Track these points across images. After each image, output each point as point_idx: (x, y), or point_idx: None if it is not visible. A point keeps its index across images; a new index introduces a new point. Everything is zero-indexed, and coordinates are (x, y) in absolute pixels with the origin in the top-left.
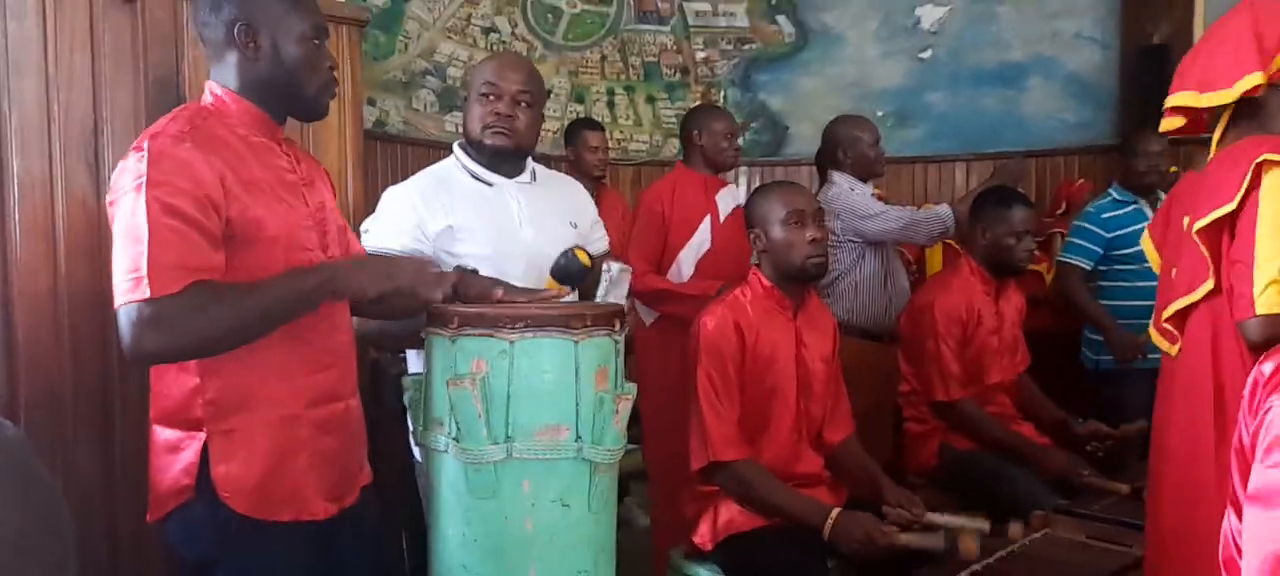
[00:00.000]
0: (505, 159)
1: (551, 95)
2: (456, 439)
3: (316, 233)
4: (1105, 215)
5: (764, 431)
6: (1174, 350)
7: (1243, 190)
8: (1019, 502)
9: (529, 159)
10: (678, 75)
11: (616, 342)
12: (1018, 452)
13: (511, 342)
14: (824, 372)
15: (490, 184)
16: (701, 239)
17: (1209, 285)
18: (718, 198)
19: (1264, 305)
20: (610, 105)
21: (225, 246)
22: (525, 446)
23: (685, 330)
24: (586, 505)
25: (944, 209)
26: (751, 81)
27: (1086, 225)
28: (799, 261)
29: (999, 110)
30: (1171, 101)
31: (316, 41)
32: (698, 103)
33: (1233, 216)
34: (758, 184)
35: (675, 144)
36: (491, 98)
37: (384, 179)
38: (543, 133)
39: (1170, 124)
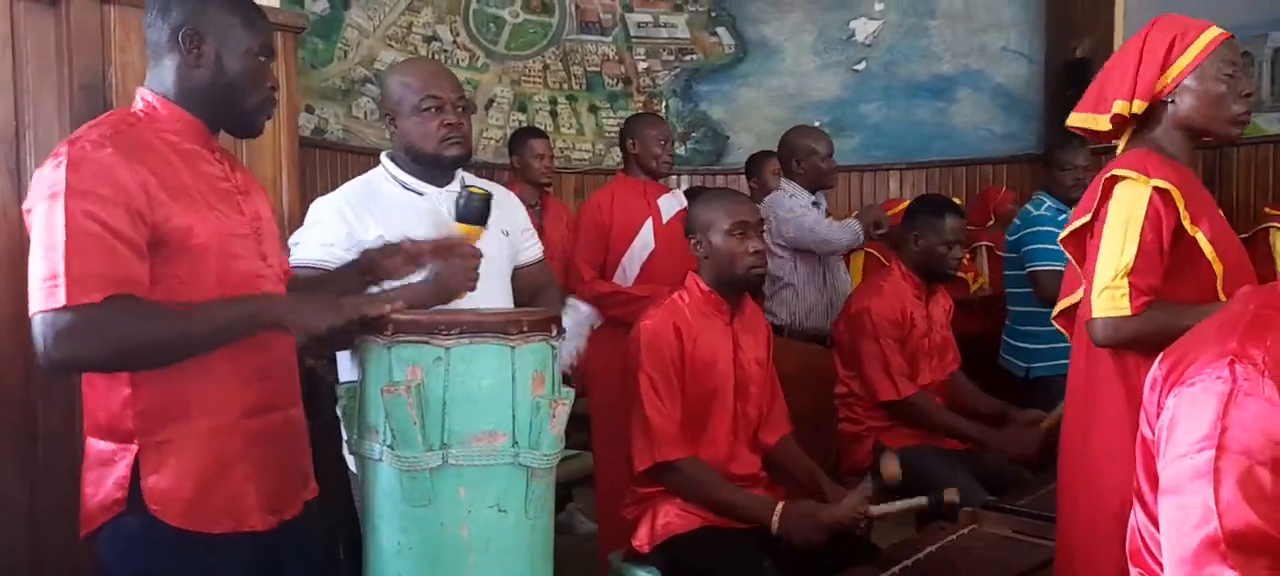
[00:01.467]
0: (447, 168)
1: (494, 104)
2: (391, 446)
3: (253, 242)
4: (1059, 218)
5: (702, 433)
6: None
7: (1096, 202)
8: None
9: (460, 168)
10: (620, 85)
11: (554, 348)
12: (972, 438)
13: (447, 348)
14: (759, 375)
15: (421, 194)
16: (644, 242)
17: (1081, 293)
18: (659, 201)
19: (1099, 307)
20: (553, 114)
21: (153, 254)
22: (461, 453)
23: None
24: (523, 511)
25: (854, 222)
26: (693, 92)
27: (1048, 228)
28: (741, 272)
29: (930, 121)
30: (1071, 121)
31: (262, 58)
32: (640, 112)
33: (1090, 226)
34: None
35: (618, 153)
36: (436, 109)
37: (323, 188)
38: (486, 141)
39: (1078, 120)
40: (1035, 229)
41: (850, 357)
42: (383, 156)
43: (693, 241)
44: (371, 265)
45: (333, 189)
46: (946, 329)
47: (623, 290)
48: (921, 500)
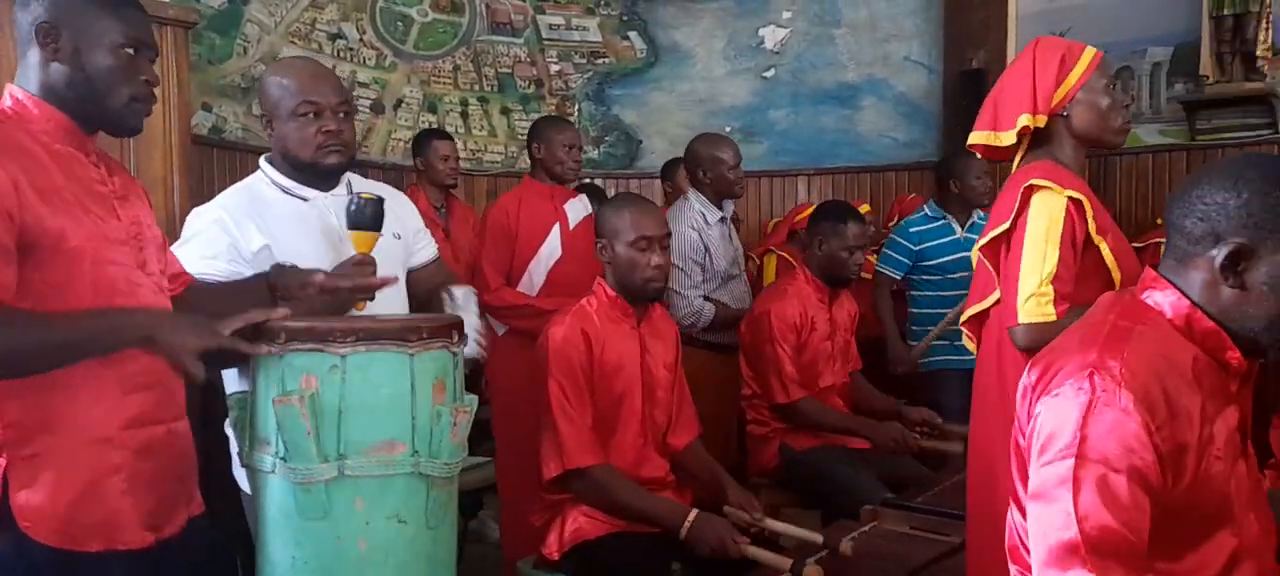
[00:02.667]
0: (328, 175)
1: (403, 105)
2: (284, 458)
3: (131, 248)
4: (913, 229)
5: (611, 437)
6: (974, 350)
7: (1015, 211)
8: (852, 497)
9: (341, 174)
10: (532, 87)
11: (455, 355)
12: (858, 434)
13: (343, 356)
14: (667, 379)
15: (305, 199)
16: (551, 248)
17: (995, 296)
18: (566, 206)
19: (1025, 314)
20: (464, 116)
21: (23, 259)
22: (358, 463)
23: (536, 341)
24: (423, 521)
25: (708, 311)
26: (605, 95)
27: (898, 239)
28: (639, 282)
29: (836, 128)
30: (972, 140)
31: (131, 51)
32: (546, 116)
33: (1008, 235)
34: (611, 195)
35: None
36: (313, 115)
37: (221, 188)
38: (395, 143)
39: (979, 138)
40: (893, 236)
41: (754, 359)
42: (262, 160)
43: (599, 245)
44: (282, 283)
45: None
46: (849, 334)
47: (531, 302)
48: (817, 537)
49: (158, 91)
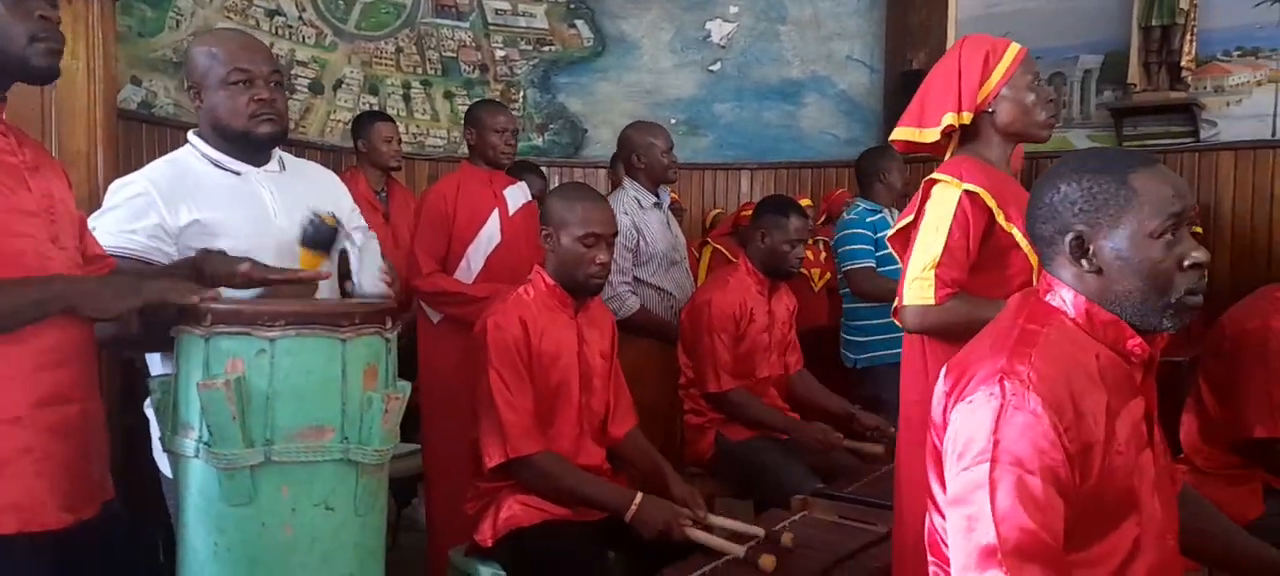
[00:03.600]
0: (260, 147)
1: (343, 85)
2: (208, 443)
3: (42, 221)
4: (869, 220)
5: (550, 426)
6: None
7: (917, 204)
8: (784, 487)
9: (275, 147)
10: (477, 72)
11: (387, 341)
12: (783, 431)
13: (272, 340)
14: (604, 368)
15: (237, 173)
16: (490, 233)
17: None
18: (506, 192)
19: (908, 296)
20: (406, 99)
21: None
22: (285, 449)
23: (470, 329)
24: (352, 508)
25: (633, 302)
26: (551, 83)
27: (856, 231)
28: (581, 278)
29: (780, 123)
30: (895, 135)
31: None
32: (482, 100)
33: (912, 227)
34: (557, 184)
35: None
36: (245, 83)
37: (149, 162)
38: (334, 124)
39: (903, 134)
40: (848, 231)
41: (691, 347)
42: (191, 134)
43: (544, 233)
44: (209, 270)
45: None
46: (789, 327)
47: (462, 289)
48: (759, 531)
49: (80, 62)
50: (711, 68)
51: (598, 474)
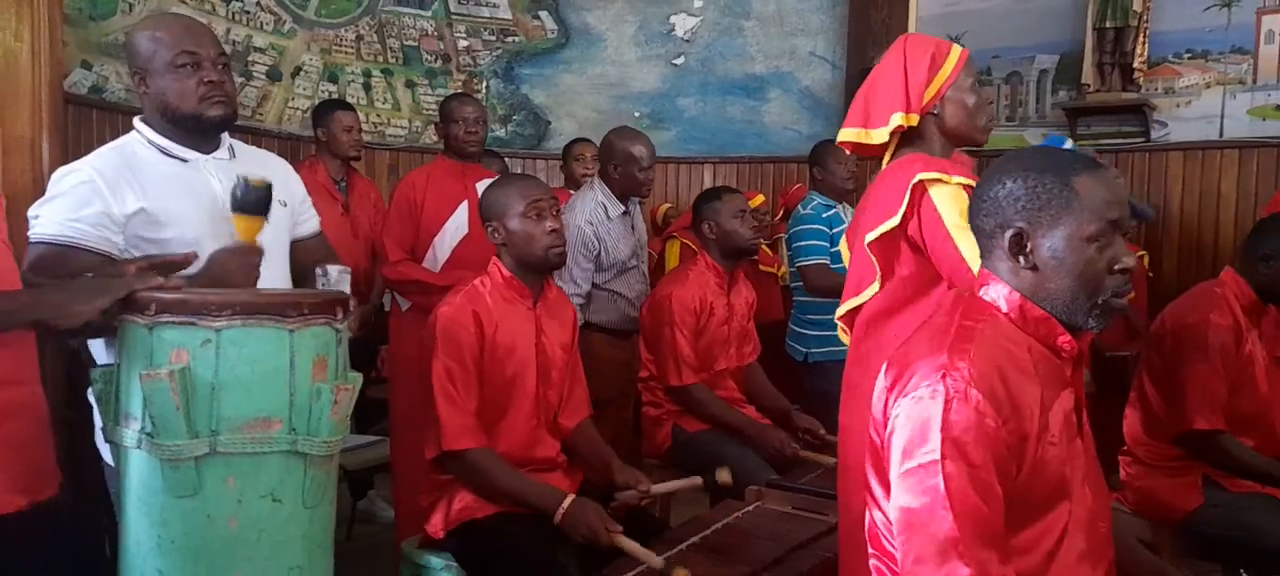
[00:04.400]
0: (210, 131)
1: (301, 73)
2: (150, 434)
3: None
4: (825, 215)
5: (503, 418)
6: (847, 340)
7: (904, 207)
8: (740, 478)
9: (225, 133)
10: (439, 62)
11: (338, 332)
12: (742, 432)
13: (217, 331)
14: (563, 359)
15: (185, 160)
16: (458, 225)
17: (875, 288)
18: (479, 185)
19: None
20: (367, 87)
21: None
22: (231, 440)
23: None
24: (300, 500)
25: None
26: (514, 74)
27: (812, 227)
28: (540, 252)
29: (743, 118)
30: (842, 137)
31: None
32: (459, 91)
33: (900, 231)
34: (516, 173)
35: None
36: (192, 66)
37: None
38: (293, 111)
39: (849, 136)
40: (803, 226)
41: (652, 341)
42: (136, 121)
43: (490, 229)
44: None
45: None
46: (747, 320)
47: (426, 277)
48: (696, 479)
49: (25, 44)
50: (675, 62)
51: (552, 465)
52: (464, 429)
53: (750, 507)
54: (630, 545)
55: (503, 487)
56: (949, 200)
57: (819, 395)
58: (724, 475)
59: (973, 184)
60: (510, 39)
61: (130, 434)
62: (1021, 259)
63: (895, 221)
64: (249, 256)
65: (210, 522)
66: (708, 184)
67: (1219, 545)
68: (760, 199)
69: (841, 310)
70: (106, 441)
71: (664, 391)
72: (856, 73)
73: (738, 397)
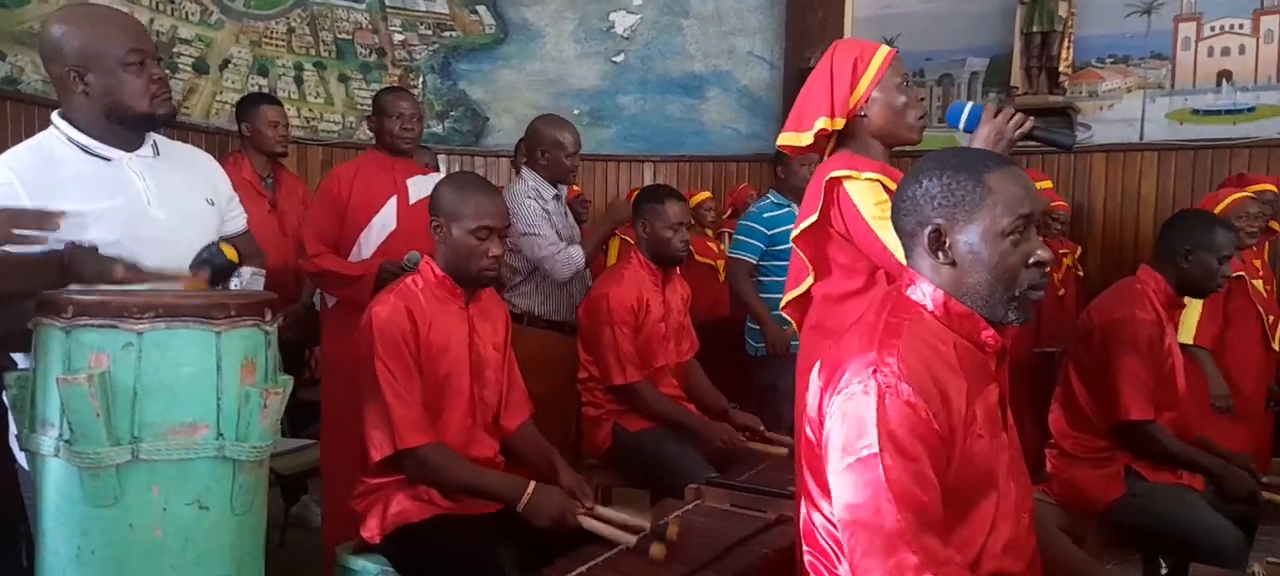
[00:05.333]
0: (150, 129)
1: (230, 65)
2: (68, 441)
3: None
4: (766, 215)
5: (438, 418)
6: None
7: (821, 205)
8: (680, 477)
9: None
10: (373, 56)
11: (267, 333)
12: (687, 428)
13: (139, 333)
14: (496, 359)
15: (107, 159)
16: (385, 220)
17: (809, 282)
18: (409, 181)
19: None
20: (299, 81)
21: None
22: (155, 446)
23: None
24: (228, 507)
25: (577, 251)
26: (452, 69)
27: (750, 224)
28: (473, 271)
29: (682, 117)
30: (780, 140)
31: None
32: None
33: (819, 227)
34: (455, 171)
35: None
36: (139, 65)
37: (14, 142)
38: (220, 105)
39: (785, 139)
40: (744, 222)
41: (590, 341)
42: (55, 116)
43: (434, 224)
44: (76, 269)
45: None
46: (683, 316)
47: (341, 268)
48: (644, 524)
49: None
50: (615, 59)
51: (490, 465)
52: (416, 424)
53: (689, 506)
54: (600, 526)
55: (461, 481)
56: (863, 192)
57: (768, 388)
58: (673, 531)
59: (880, 178)
60: (447, 34)
61: (47, 441)
62: (940, 255)
63: (814, 218)
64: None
65: (132, 532)
66: (648, 182)
67: (1140, 533)
68: (705, 195)
69: (784, 301)
70: (21, 449)
71: (604, 391)
72: (794, 73)
73: (679, 394)
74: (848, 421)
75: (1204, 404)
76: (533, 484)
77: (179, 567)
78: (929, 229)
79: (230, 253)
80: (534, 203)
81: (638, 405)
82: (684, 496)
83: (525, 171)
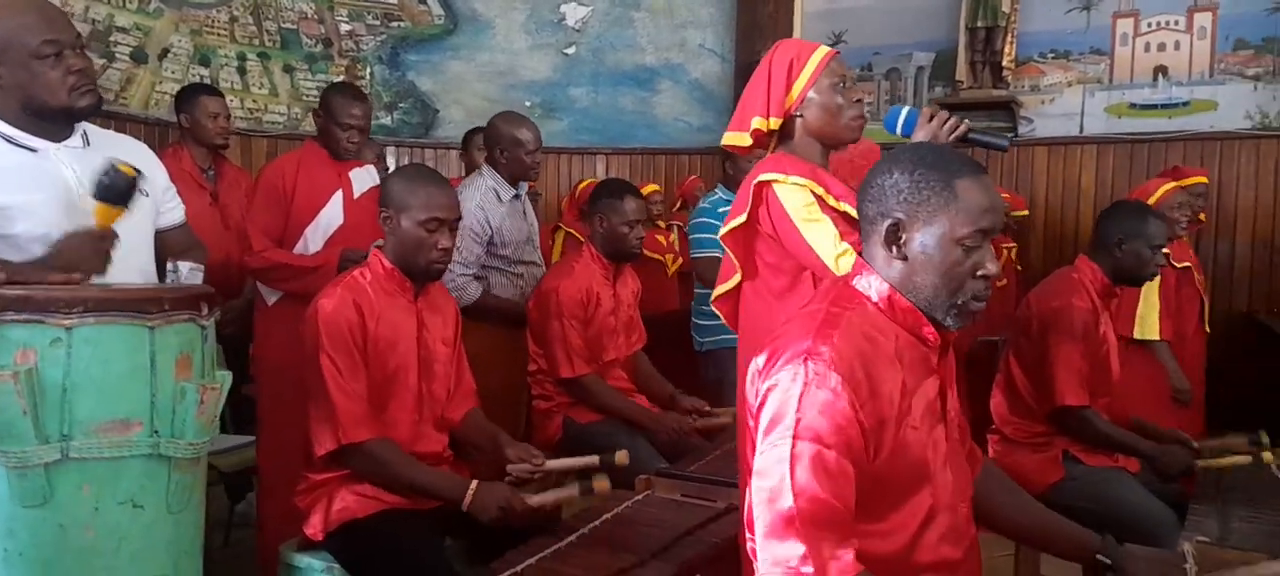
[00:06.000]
0: (74, 121)
1: (169, 55)
2: None
3: None
4: (721, 210)
5: (384, 413)
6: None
7: (750, 205)
8: (631, 468)
9: (85, 119)
10: (320, 46)
11: (203, 328)
12: (635, 421)
13: (68, 329)
14: (446, 354)
15: (34, 150)
16: (332, 215)
17: (736, 279)
18: (351, 174)
19: (845, 268)
20: (242, 71)
21: None
22: (86, 444)
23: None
24: (164, 505)
25: (475, 288)
26: (400, 60)
27: (706, 220)
28: (422, 264)
29: (634, 109)
30: (724, 140)
31: None
32: (341, 77)
33: (747, 228)
34: (407, 165)
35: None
36: (56, 56)
37: None
38: (159, 96)
39: (728, 139)
40: (699, 219)
41: (540, 334)
42: None
43: (383, 215)
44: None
45: None
46: (633, 309)
47: (294, 261)
48: (593, 459)
49: None
50: (566, 51)
51: (438, 461)
52: (361, 419)
53: (640, 497)
54: (545, 497)
55: (405, 478)
56: (791, 194)
57: (714, 383)
58: (622, 456)
59: (808, 183)
60: (395, 24)
61: None
62: (894, 249)
63: (742, 219)
64: (101, 243)
65: (63, 532)
66: (601, 175)
67: (1078, 515)
68: (654, 187)
69: (715, 296)
70: None
71: (554, 384)
72: (745, 66)
73: (628, 386)
74: (773, 405)
75: (1161, 394)
76: (475, 482)
77: (112, 568)
78: (888, 221)
79: (126, 168)
80: (482, 212)
81: (586, 398)
82: (634, 487)
83: (485, 170)
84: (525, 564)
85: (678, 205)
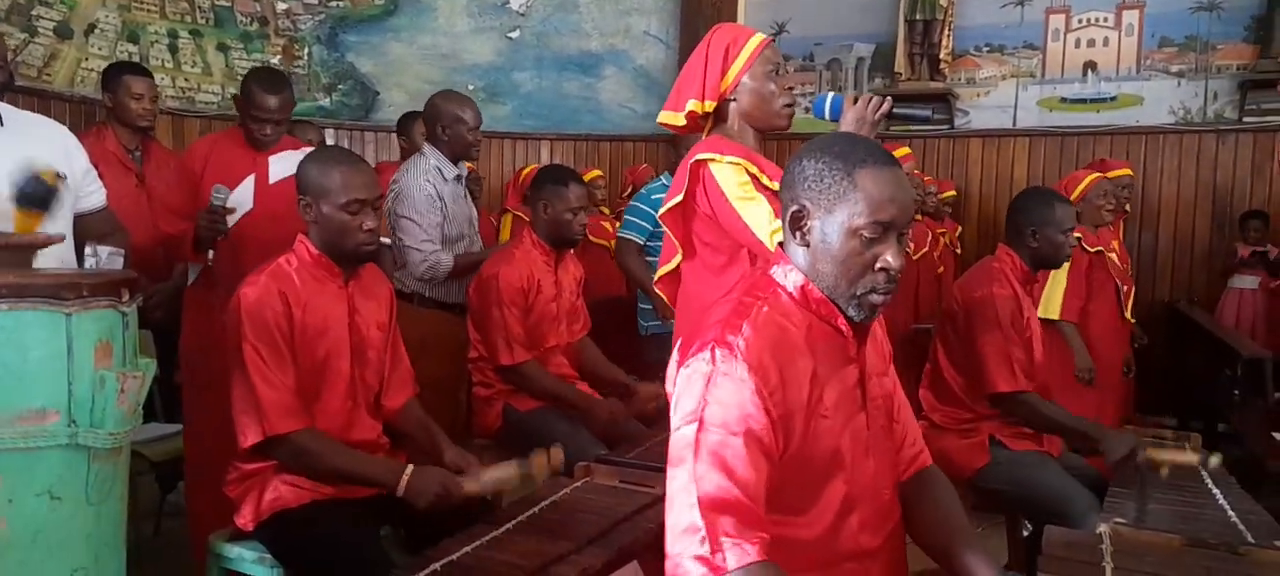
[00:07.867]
0: None
1: (96, 31)
2: None
3: None
4: (654, 196)
5: (316, 400)
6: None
7: (687, 185)
8: (571, 456)
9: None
10: (255, 25)
11: (124, 314)
12: (574, 406)
13: None
14: (380, 339)
15: None
16: (241, 200)
17: (678, 259)
18: (271, 159)
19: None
20: (173, 49)
21: None
22: None
23: (227, 288)
24: (83, 497)
25: (446, 259)
26: (339, 41)
27: (639, 205)
28: (350, 247)
29: (579, 95)
30: (660, 119)
31: None
32: (277, 57)
33: (685, 207)
34: (317, 148)
35: None
36: None
37: None
38: (85, 73)
39: (663, 118)
40: (634, 204)
41: (481, 321)
42: None
43: (303, 204)
44: None
45: None
46: (576, 295)
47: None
48: (512, 464)
49: None
50: (511, 35)
51: (373, 448)
52: (287, 410)
53: (578, 484)
54: (484, 481)
55: (336, 468)
56: (727, 173)
57: (658, 366)
58: (556, 453)
59: (743, 162)
60: (334, 4)
61: None
62: (798, 235)
63: (679, 199)
64: (23, 254)
65: None
66: (545, 161)
67: (1004, 498)
68: (596, 173)
69: (657, 276)
70: None
71: (494, 371)
72: (689, 53)
73: (570, 374)
74: (683, 393)
75: (1066, 375)
76: (410, 467)
77: (29, 562)
78: (794, 208)
79: (48, 176)
80: (431, 185)
81: (525, 385)
82: (573, 474)
83: (427, 148)
84: (462, 551)
85: (628, 191)
